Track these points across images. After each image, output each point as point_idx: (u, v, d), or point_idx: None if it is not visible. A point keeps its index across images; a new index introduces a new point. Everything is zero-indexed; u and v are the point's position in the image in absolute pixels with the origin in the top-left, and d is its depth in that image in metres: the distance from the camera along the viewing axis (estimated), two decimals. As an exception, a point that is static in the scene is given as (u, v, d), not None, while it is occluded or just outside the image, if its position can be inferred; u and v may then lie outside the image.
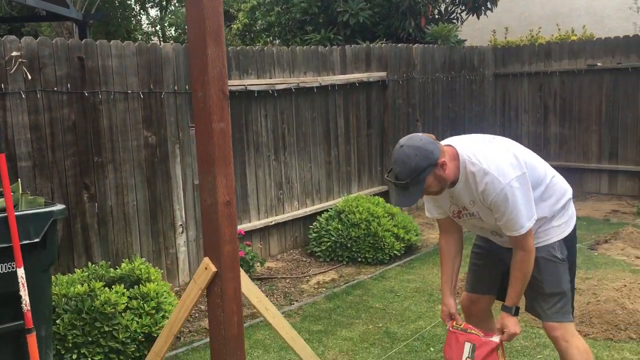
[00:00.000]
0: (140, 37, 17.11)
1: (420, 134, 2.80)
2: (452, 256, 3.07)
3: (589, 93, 9.14)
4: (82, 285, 4.10)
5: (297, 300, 5.40)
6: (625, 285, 4.88)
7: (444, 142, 2.85)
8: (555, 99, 9.48)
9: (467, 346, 2.90)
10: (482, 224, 2.91)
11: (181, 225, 5.60)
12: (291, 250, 6.92)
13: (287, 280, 5.95)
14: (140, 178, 5.22)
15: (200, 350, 4.35)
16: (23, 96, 4.45)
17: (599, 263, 5.97)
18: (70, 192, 4.72)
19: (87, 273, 4.42)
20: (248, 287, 2.74)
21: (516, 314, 2.89)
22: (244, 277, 2.66)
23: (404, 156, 2.65)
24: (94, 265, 4.56)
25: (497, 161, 2.73)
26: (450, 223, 3.04)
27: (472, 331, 2.97)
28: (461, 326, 2.99)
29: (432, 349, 4.20)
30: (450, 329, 2.96)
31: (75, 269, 4.57)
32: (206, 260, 2.51)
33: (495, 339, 2.94)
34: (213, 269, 2.48)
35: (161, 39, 18.00)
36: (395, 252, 6.41)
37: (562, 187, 2.98)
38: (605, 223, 7.68)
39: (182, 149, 5.57)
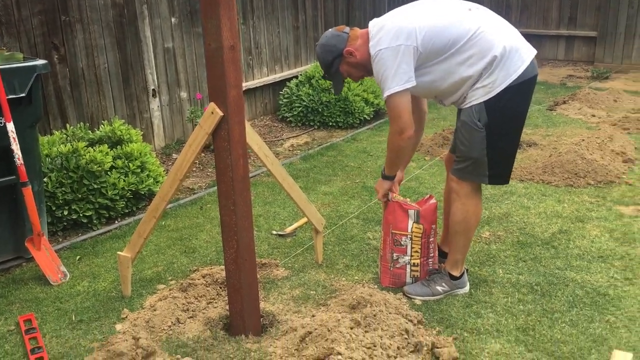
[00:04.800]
0: None
1: (330, 30, 3.06)
2: (413, 148, 3.24)
3: (553, -43, 9.08)
4: (65, 145, 4.10)
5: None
6: (583, 140, 5.22)
7: (374, 21, 2.91)
8: (519, -36, 9.39)
9: (412, 213, 3.13)
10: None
11: (154, 89, 5.53)
12: (262, 117, 6.97)
13: (261, 144, 6.05)
14: (109, 40, 5.05)
15: (186, 207, 4.50)
16: (-21, -53, 4.14)
17: (558, 122, 6.31)
18: (39, 52, 4.55)
19: (65, 135, 4.40)
20: (249, 133, 2.83)
21: (386, 178, 3.08)
22: (246, 122, 2.74)
23: (317, 55, 3.05)
24: (72, 127, 4.53)
25: (384, 30, 2.80)
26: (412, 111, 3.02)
27: (411, 203, 3.20)
28: (401, 199, 3.21)
29: (408, 200, 4.46)
30: (392, 200, 3.16)
31: (53, 131, 4.53)
32: (212, 105, 2.56)
33: (433, 200, 3.18)
34: (219, 113, 2.54)
35: None
36: (365, 116, 6.55)
37: (488, 43, 2.72)
38: (562, 87, 7.99)
39: (150, 9, 5.36)
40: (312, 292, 3.22)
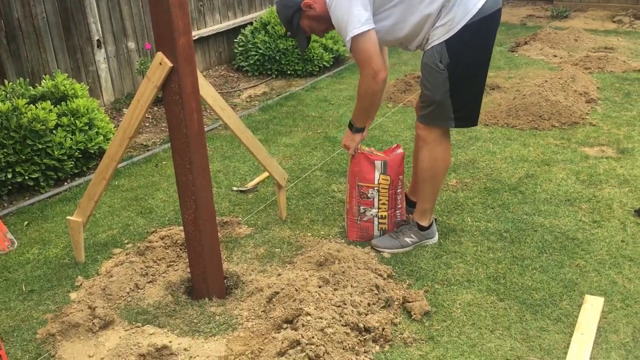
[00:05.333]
0: None
1: None
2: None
3: None
4: (4, 103, 3.79)
5: (231, 113, 5.31)
6: (547, 81, 5.14)
7: None
8: None
9: (378, 164, 3.00)
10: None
11: (98, 40, 5.18)
12: (217, 67, 6.67)
13: (218, 95, 5.79)
14: (46, -14, 4.66)
15: (140, 165, 4.28)
16: None
17: (520, 63, 6.22)
18: (-33, 2, 4.16)
19: (4, 92, 4.08)
20: (202, 85, 2.62)
21: (356, 131, 2.92)
22: (198, 73, 2.53)
23: (277, 13, 2.92)
24: (10, 83, 4.19)
25: None
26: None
27: (377, 153, 3.06)
28: (367, 149, 3.08)
29: (374, 150, 4.33)
30: (358, 151, 3.02)
31: (-10, 89, 4.19)
32: (159, 55, 2.33)
33: (400, 150, 3.06)
34: (168, 64, 2.32)
35: None
36: (325, 63, 6.33)
37: None
38: (523, 27, 7.89)
39: (88, -48, 4.95)
40: (277, 249, 3.10)
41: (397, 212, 3.14)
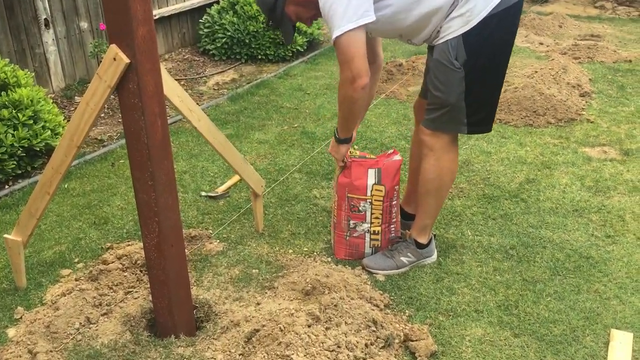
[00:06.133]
0: None
1: None
2: (366, 105, 2.68)
3: None
4: None
5: (197, 104, 4.82)
6: (536, 72, 4.83)
7: None
8: None
9: (372, 172, 2.61)
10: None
11: (46, 19, 4.61)
12: (180, 49, 6.14)
13: (182, 83, 5.30)
14: (-18, -43, 4.08)
15: (95, 163, 3.78)
16: None
17: (506, 52, 5.88)
18: None
19: None
20: (166, 81, 2.17)
21: (340, 141, 2.51)
22: (162, 69, 2.08)
23: (258, 2, 2.48)
24: (-59, 69, 3.63)
25: None
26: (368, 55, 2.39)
27: (370, 156, 2.67)
28: (358, 154, 2.68)
29: (355, 146, 3.94)
30: (349, 159, 2.62)
31: None
32: (113, 48, 1.87)
33: (398, 157, 2.68)
34: (124, 59, 1.86)
35: None
36: (298, 47, 5.88)
37: None
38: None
39: None
40: (254, 270, 2.69)
41: (392, 227, 2.76)
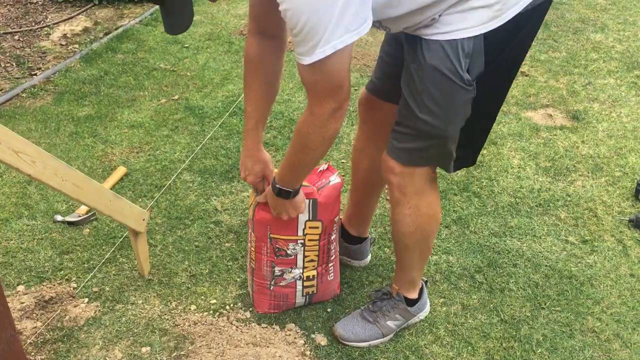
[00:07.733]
0: None
1: None
2: (264, 72, 1.72)
3: None
4: None
5: (39, 68, 3.69)
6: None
7: None
8: None
9: (304, 204, 1.85)
10: None
11: None
12: (10, -13, 4.78)
13: (16, 36, 4.07)
14: None
15: None
16: None
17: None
18: None
19: None
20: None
21: (282, 195, 1.71)
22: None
23: None
24: None
25: None
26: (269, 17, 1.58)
27: (303, 183, 1.87)
28: None
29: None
30: (267, 185, 1.82)
31: None
32: None
33: (336, 178, 1.93)
34: None
35: None
36: (166, -19, 4.74)
37: None
38: None
39: None
40: (144, 349, 1.89)
41: (330, 266, 2.05)
